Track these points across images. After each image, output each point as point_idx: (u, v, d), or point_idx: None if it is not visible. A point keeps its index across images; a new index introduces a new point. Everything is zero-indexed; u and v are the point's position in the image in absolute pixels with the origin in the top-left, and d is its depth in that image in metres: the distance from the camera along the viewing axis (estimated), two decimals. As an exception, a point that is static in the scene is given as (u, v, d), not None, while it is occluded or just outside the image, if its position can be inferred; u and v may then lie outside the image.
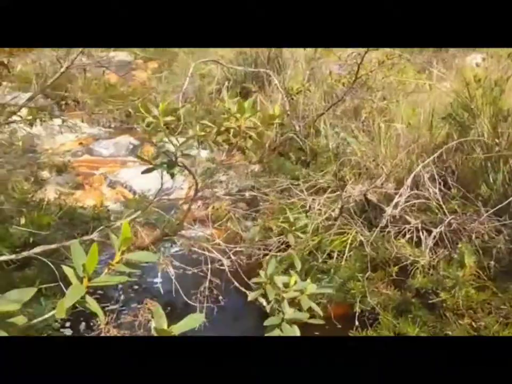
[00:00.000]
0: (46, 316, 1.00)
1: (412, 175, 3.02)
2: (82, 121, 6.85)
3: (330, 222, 3.55)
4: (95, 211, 3.71)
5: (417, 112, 4.27)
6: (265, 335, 1.48)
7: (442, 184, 3.25)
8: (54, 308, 2.51)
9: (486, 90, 3.31)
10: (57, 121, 6.25)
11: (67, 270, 0.93)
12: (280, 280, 1.54)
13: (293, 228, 1.91)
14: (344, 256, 3.18)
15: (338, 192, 3.61)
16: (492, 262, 2.64)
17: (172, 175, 1.71)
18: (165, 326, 1.07)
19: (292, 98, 5.03)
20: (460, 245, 2.57)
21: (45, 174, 4.77)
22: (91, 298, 0.93)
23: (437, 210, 3.13)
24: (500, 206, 2.88)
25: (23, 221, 2.64)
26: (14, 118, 2.82)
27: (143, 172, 1.72)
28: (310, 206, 3.47)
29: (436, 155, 3.15)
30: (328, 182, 3.91)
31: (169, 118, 1.78)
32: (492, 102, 3.22)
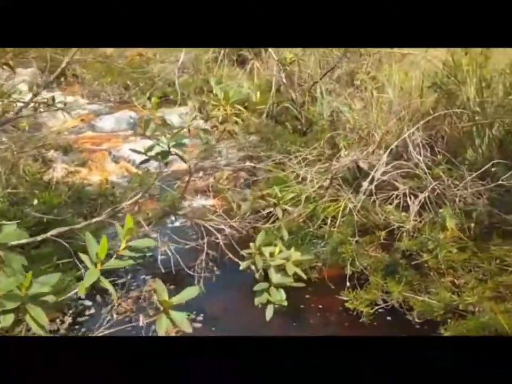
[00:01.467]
0: (70, 294, 1.20)
1: (395, 143, 3.15)
2: (83, 97, 6.97)
3: (323, 192, 3.73)
4: (101, 188, 3.91)
5: (410, 77, 4.37)
6: (255, 298, 1.69)
7: (429, 150, 3.40)
8: (71, 281, 2.73)
9: (472, 59, 3.41)
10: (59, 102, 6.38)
11: (84, 257, 1.12)
12: (267, 250, 1.74)
13: (281, 202, 2.09)
14: (337, 223, 3.37)
15: (330, 162, 3.77)
16: (472, 224, 2.83)
17: (166, 164, 1.87)
18: (166, 298, 1.28)
19: (286, 69, 5.10)
20: (441, 210, 2.75)
21: (51, 154, 4.93)
22: (104, 279, 1.12)
23: (424, 176, 3.29)
24: (483, 169, 3.04)
25: (35, 202, 2.83)
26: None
27: (138, 165, 1.89)
28: (302, 178, 3.64)
29: (421, 123, 3.27)
30: (321, 151, 4.06)
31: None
32: (477, 69, 3.32)
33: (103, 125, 6.17)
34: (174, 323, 1.28)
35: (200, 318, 3.00)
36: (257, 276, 1.75)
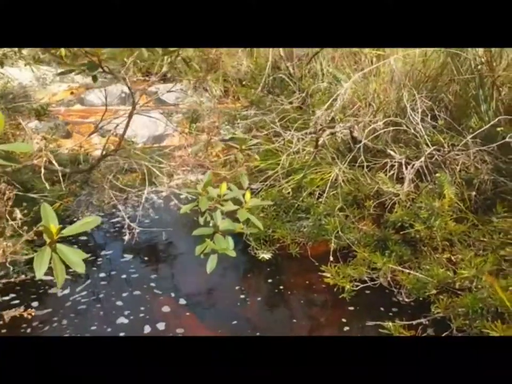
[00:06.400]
0: None
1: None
2: (75, 71, 6.72)
3: (314, 162, 3.42)
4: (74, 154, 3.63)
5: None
6: (197, 247, 1.39)
7: (429, 116, 3.06)
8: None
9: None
10: (50, 69, 6.15)
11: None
12: (214, 191, 1.43)
13: (243, 147, 1.79)
14: (325, 194, 3.06)
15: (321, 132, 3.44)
16: (474, 193, 2.49)
17: (95, 79, 1.59)
18: (55, 226, 0.98)
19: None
20: (437, 174, 2.41)
21: (32, 122, 4.67)
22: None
23: (424, 145, 2.95)
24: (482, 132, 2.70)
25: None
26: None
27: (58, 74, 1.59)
28: (293, 151, 3.32)
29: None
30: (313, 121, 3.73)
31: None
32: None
33: (93, 99, 5.90)
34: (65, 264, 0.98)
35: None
36: (201, 220, 1.44)
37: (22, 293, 2.63)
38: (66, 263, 0.95)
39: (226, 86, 6.56)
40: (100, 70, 1.52)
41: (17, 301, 2.57)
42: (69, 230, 0.98)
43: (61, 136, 5.02)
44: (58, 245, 0.95)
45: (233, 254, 1.38)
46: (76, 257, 0.96)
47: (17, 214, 1.21)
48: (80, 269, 0.95)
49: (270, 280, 2.88)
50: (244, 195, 1.48)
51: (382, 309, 2.51)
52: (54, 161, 1.84)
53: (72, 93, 6.00)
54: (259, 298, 2.74)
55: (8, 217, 1.06)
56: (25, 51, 6.06)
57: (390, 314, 2.44)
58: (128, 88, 1.77)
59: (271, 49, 5.47)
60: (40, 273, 0.90)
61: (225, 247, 1.35)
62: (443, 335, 2.07)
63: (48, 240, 0.95)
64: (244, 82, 6.15)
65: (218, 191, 1.42)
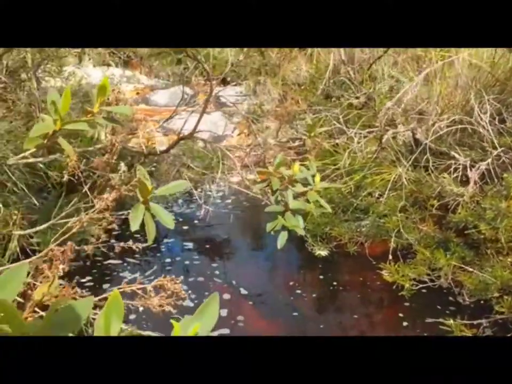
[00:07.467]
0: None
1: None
2: (141, 73, 7.03)
3: (374, 163, 3.41)
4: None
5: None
6: (268, 224, 1.45)
7: (497, 119, 2.99)
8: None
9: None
10: (117, 71, 6.49)
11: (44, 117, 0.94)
12: (285, 172, 1.50)
13: (312, 134, 1.84)
14: (385, 194, 3.05)
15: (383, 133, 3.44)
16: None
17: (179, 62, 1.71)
18: (149, 186, 1.07)
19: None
20: (505, 175, 2.36)
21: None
22: (61, 138, 0.94)
23: (490, 139, 2.86)
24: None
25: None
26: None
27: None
28: (353, 152, 3.34)
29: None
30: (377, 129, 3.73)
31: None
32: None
33: (157, 99, 6.16)
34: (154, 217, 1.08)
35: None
36: (272, 199, 1.51)
37: (97, 275, 2.80)
38: (159, 219, 1.04)
39: (285, 90, 6.66)
40: (185, 54, 1.63)
41: (91, 283, 2.73)
42: (162, 190, 1.08)
43: (127, 133, 5.27)
44: (151, 204, 1.05)
45: (302, 232, 1.44)
46: (167, 216, 1.05)
47: (122, 167, 1.33)
48: (171, 225, 1.03)
49: (325, 276, 2.91)
50: (313, 178, 1.53)
51: (439, 307, 2.48)
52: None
53: (137, 93, 6.29)
54: (314, 295, 2.77)
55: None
56: (94, 53, 6.41)
57: (448, 312, 2.40)
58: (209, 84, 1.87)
59: (332, 54, 5.52)
60: (135, 226, 1.00)
61: (296, 224, 1.41)
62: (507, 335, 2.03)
63: (142, 199, 1.04)
64: (302, 87, 6.22)
65: (291, 171, 1.48)
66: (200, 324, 0.62)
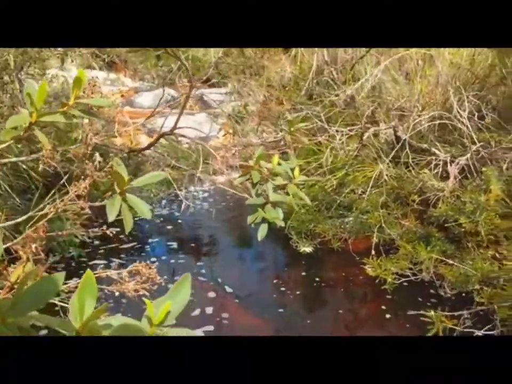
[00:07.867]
0: None
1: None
2: (125, 76, 7.02)
3: (356, 161, 3.45)
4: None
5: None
6: (249, 216, 1.46)
7: (476, 115, 3.05)
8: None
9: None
10: (101, 74, 6.45)
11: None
12: (265, 165, 1.51)
13: (292, 129, 1.86)
14: (367, 191, 3.08)
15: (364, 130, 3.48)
16: (521, 189, 2.47)
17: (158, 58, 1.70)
18: (125, 177, 1.08)
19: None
20: (484, 169, 2.41)
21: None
22: (38, 131, 0.94)
23: (468, 134, 2.91)
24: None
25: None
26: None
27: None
28: (334, 149, 3.37)
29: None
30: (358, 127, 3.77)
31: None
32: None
33: (142, 101, 6.16)
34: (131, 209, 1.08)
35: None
36: (253, 192, 1.53)
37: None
38: (136, 210, 1.04)
39: (269, 91, 6.69)
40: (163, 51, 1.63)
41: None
42: (138, 182, 1.08)
43: (110, 135, 5.25)
44: (128, 195, 1.05)
45: (282, 223, 1.45)
46: (143, 206, 1.05)
47: (97, 157, 1.33)
48: (148, 215, 1.04)
49: (309, 272, 2.93)
50: (293, 171, 1.55)
51: (421, 300, 2.51)
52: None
53: (122, 95, 6.27)
54: (298, 292, 2.79)
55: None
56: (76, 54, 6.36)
57: (429, 304, 2.44)
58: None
59: (315, 54, 5.56)
60: (111, 217, 1.00)
61: (276, 216, 1.43)
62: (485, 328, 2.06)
63: (118, 190, 1.05)
64: (287, 88, 6.26)
65: (270, 165, 1.50)
66: (172, 302, 0.63)
